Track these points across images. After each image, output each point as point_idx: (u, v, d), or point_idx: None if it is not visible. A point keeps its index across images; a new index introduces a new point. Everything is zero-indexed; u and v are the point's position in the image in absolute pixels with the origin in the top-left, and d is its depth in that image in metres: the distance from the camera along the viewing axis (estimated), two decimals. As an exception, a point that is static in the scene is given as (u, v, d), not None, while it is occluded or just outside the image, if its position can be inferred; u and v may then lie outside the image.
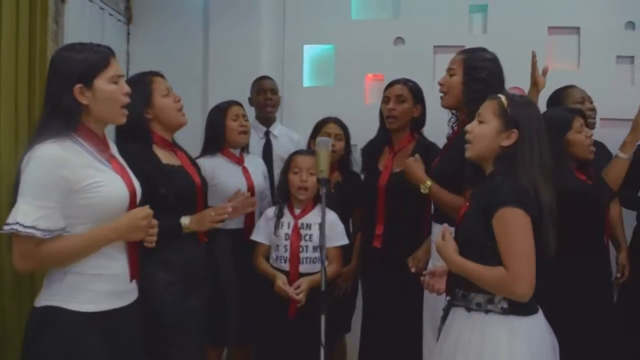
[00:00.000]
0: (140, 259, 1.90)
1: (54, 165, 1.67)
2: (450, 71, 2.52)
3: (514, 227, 1.76)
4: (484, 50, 2.53)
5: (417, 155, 2.62)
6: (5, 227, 1.65)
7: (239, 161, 2.97)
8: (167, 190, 2.28)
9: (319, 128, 3.17)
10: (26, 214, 1.64)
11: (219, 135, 2.93)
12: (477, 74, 2.42)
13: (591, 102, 3.07)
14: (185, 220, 2.33)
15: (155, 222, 1.92)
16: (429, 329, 2.50)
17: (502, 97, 1.92)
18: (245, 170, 2.95)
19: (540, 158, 1.85)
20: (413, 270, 2.69)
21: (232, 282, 2.56)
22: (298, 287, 2.59)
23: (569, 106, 2.87)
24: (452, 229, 1.96)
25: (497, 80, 2.42)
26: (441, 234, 1.94)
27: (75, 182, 1.69)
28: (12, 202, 1.70)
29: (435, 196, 2.49)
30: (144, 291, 1.97)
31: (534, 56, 2.74)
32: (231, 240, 2.81)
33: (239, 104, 3.01)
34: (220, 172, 2.84)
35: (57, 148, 1.69)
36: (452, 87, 2.49)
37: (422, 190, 2.50)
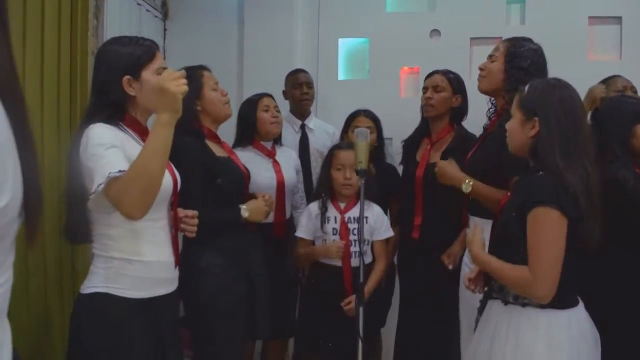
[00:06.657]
0: (197, 246, 1.93)
1: (110, 135, 1.70)
2: (492, 57, 2.48)
3: (546, 229, 1.70)
4: (529, 40, 2.46)
5: (450, 159, 2.58)
6: (101, 186, 1.61)
7: (271, 154, 2.99)
8: (223, 180, 2.37)
9: (350, 122, 3.15)
10: (113, 165, 1.62)
11: (250, 127, 2.95)
12: (519, 62, 2.37)
13: (635, 92, 2.99)
14: (245, 213, 2.39)
15: (196, 213, 1.96)
16: (465, 321, 2.47)
17: (526, 87, 1.87)
18: (276, 164, 2.97)
19: (564, 142, 1.75)
20: (450, 267, 2.68)
21: (262, 278, 2.58)
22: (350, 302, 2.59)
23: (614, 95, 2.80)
24: (490, 222, 1.93)
25: (540, 71, 2.35)
26: (473, 229, 1.90)
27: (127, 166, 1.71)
28: (67, 194, 1.73)
29: (478, 193, 2.39)
30: (199, 276, 2.00)
31: None
32: (261, 235, 2.83)
33: (270, 96, 3.03)
34: (251, 166, 2.82)
35: (108, 128, 1.73)
36: (491, 73, 2.45)
37: (464, 190, 2.40)
